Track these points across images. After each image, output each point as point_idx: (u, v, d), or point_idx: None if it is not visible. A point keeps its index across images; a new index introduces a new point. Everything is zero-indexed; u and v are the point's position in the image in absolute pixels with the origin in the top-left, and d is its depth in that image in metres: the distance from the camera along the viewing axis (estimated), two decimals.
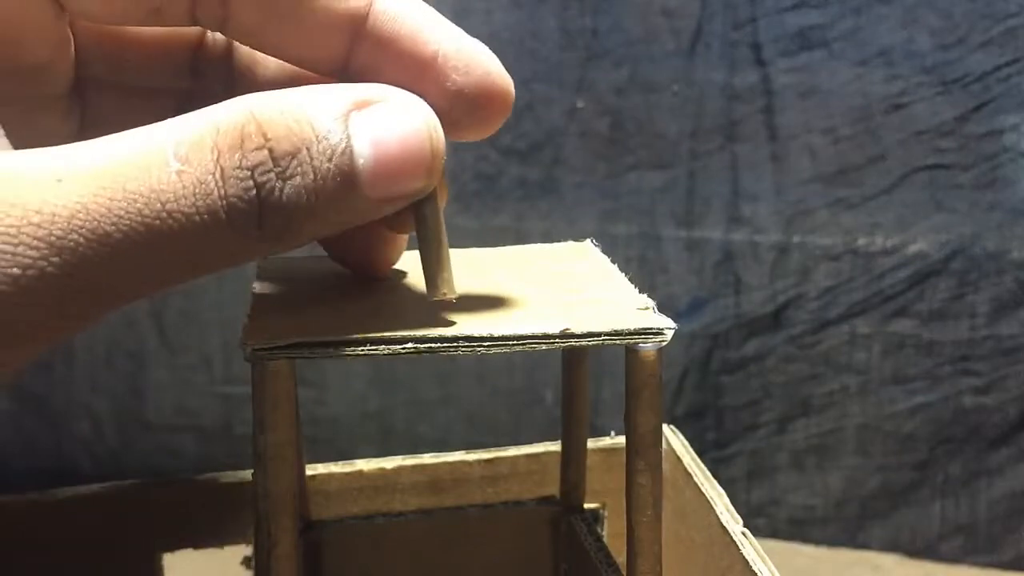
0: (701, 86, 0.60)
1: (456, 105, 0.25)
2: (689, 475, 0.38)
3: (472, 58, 0.25)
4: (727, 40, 0.60)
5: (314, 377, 0.66)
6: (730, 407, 0.64)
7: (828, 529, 0.64)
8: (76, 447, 0.69)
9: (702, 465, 0.38)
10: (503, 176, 0.62)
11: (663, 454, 0.28)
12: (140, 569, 0.38)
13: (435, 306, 0.27)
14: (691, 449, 0.39)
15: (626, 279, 0.31)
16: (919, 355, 0.62)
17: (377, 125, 0.23)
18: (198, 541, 0.39)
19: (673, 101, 0.61)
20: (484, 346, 0.26)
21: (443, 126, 0.25)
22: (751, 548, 0.33)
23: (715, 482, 0.37)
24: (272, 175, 0.22)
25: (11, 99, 0.26)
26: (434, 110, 0.25)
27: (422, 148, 0.24)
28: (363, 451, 0.43)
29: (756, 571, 0.31)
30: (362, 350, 0.25)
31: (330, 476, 0.39)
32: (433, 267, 0.26)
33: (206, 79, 0.29)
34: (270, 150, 0.22)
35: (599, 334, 0.26)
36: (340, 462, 0.40)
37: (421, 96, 0.25)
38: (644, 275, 0.63)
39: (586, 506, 0.38)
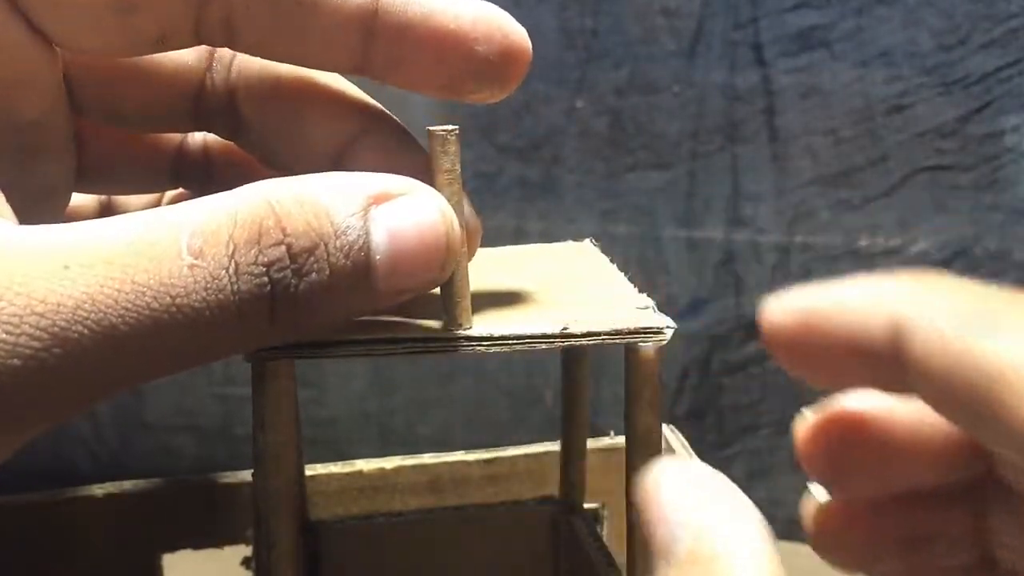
0: (701, 86, 0.60)
1: (481, 72, 0.25)
2: None
3: (490, 23, 0.25)
4: (728, 40, 0.60)
5: (314, 377, 0.66)
6: (730, 408, 0.64)
7: None
8: (76, 447, 0.69)
9: None
10: (502, 175, 0.62)
11: (663, 454, 0.28)
12: (140, 569, 0.38)
13: (435, 306, 0.27)
14: (691, 449, 0.39)
15: (626, 279, 0.31)
16: None
17: (395, 221, 0.23)
18: (198, 541, 0.39)
19: (673, 101, 0.61)
20: (484, 346, 0.26)
21: (469, 94, 0.25)
22: None
23: None
24: (288, 272, 0.21)
25: (6, 152, 0.25)
26: (461, 80, 0.25)
27: (438, 244, 0.23)
28: (363, 451, 0.43)
29: None
30: (362, 350, 0.25)
31: (330, 476, 0.39)
32: (454, 298, 0.26)
33: (208, 124, 0.29)
34: (288, 246, 0.21)
35: (599, 334, 0.26)
36: (340, 462, 0.40)
37: (447, 70, 0.25)
38: (644, 275, 0.63)
39: (586, 506, 0.38)
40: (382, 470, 0.39)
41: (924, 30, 0.58)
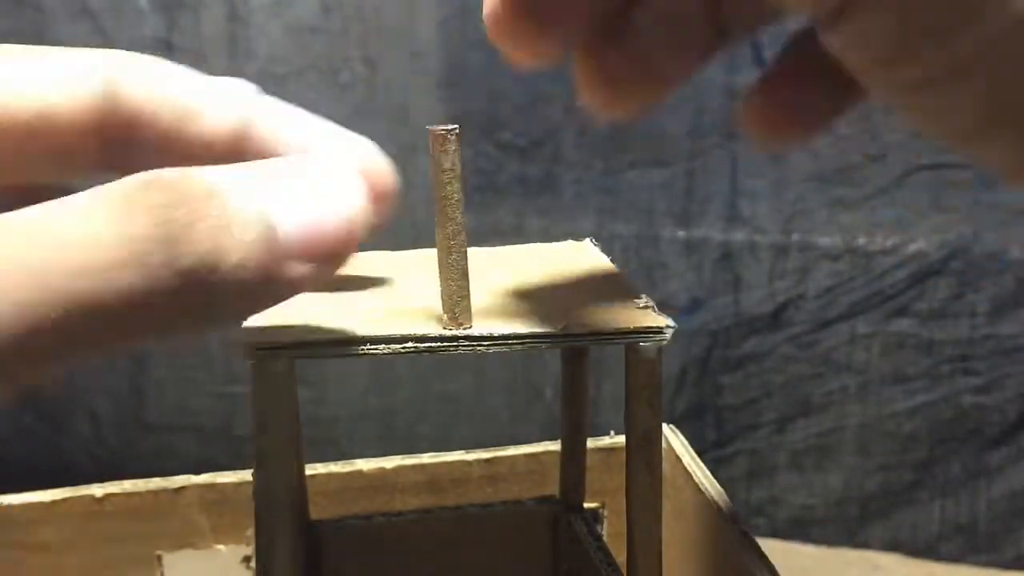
0: (700, 85, 0.60)
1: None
2: (689, 475, 0.38)
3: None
4: None
5: (314, 377, 0.66)
6: (730, 407, 0.64)
7: (828, 529, 0.64)
8: (76, 447, 0.69)
9: (702, 465, 0.38)
10: (502, 173, 0.62)
11: (663, 454, 0.28)
12: (140, 569, 0.38)
13: (435, 306, 0.27)
14: (691, 449, 0.39)
15: (625, 278, 0.31)
16: (919, 355, 0.62)
17: (294, 202, 0.22)
18: (198, 541, 0.39)
19: (672, 99, 0.61)
20: (484, 345, 0.26)
21: None
22: (751, 548, 0.33)
23: (715, 481, 0.37)
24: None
25: None
26: None
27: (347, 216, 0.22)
28: (363, 451, 0.43)
29: (756, 571, 0.31)
30: (362, 349, 0.25)
31: (330, 476, 0.39)
32: (454, 298, 0.26)
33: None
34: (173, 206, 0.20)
35: (599, 333, 0.26)
36: (340, 462, 0.40)
37: None
38: (643, 273, 0.63)
39: (586, 506, 0.38)
40: (382, 470, 0.39)
41: None
